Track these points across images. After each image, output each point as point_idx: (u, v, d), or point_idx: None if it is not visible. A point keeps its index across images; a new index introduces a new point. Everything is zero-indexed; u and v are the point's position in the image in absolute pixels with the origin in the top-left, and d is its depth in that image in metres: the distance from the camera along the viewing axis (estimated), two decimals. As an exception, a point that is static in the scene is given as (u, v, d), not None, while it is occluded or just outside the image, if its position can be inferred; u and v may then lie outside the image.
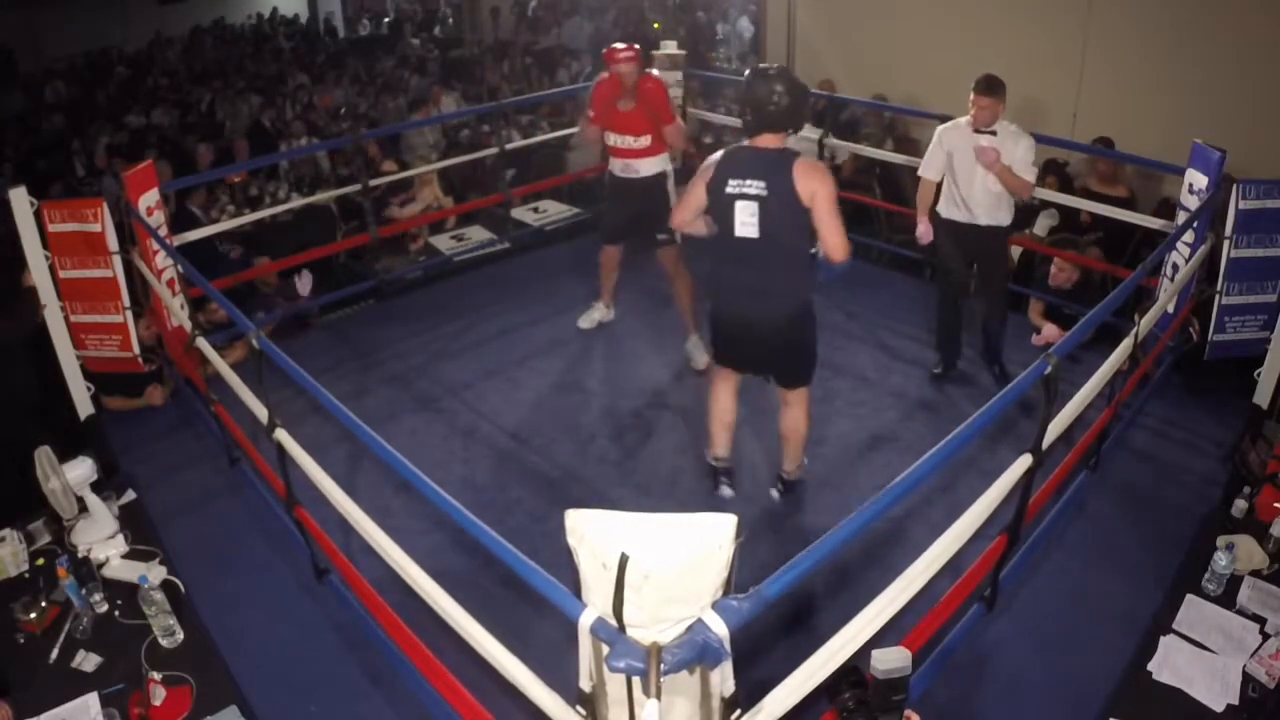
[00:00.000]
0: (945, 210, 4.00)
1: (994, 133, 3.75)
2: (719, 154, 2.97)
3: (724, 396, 3.35)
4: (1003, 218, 3.94)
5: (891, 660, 1.58)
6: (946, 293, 4.19)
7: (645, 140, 4.17)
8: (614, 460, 3.77)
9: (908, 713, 1.64)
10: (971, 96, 3.73)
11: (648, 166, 4.26)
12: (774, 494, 3.47)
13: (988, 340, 4.25)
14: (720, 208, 2.94)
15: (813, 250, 2.94)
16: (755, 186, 2.85)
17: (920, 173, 4.05)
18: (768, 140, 2.87)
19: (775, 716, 1.68)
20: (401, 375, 4.42)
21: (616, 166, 4.35)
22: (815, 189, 2.79)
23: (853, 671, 1.71)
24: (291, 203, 5.72)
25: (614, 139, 4.24)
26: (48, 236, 3.75)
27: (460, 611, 1.97)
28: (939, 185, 4.03)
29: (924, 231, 4.09)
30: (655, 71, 4.44)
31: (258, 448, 3.27)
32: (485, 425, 4.03)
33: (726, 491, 3.46)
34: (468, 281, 5.49)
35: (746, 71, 2.92)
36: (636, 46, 4.12)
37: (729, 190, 2.89)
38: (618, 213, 4.46)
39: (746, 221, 2.89)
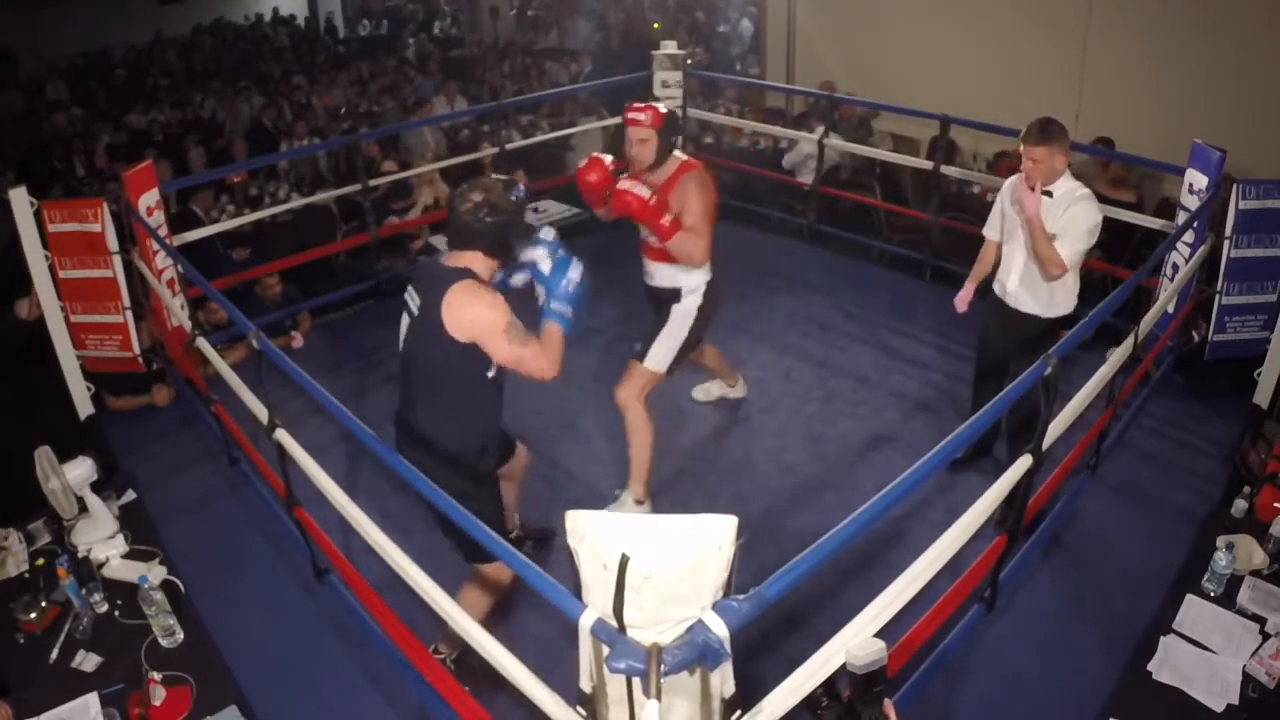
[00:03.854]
0: (995, 280, 3.33)
1: (1050, 194, 3.00)
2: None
3: None
4: (1047, 305, 3.13)
5: (867, 654, 1.58)
6: (978, 376, 3.51)
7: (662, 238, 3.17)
8: (614, 460, 3.77)
9: (886, 701, 1.64)
10: (1020, 147, 3.02)
11: (682, 277, 3.28)
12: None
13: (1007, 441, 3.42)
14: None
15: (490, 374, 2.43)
16: (414, 302, 2.42)
17: (984, 230, 3.42)
18: (455, 258, 2.39)
19: (775, 717, 1.68)
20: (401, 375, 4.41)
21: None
22: (466, 320, 2.28)
23: (829, 687, 1.71)
24: (291, 203, 5.73)
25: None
26: (48, 236, 3.75)
27: (460, 612, 1.98)
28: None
29: (960, 298, 3.44)
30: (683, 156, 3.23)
31: (258, 448, 3.27)
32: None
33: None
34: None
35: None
36: (657, 107, 3.08)
37: (405, 296, 2.48)
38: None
39: (403, 336, 2.49)
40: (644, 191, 2.98)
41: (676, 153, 3.17)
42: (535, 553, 3.13)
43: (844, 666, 1.69)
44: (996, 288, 3.29)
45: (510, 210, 2.36)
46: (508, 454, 2.86)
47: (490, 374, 2.41)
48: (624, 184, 3.02)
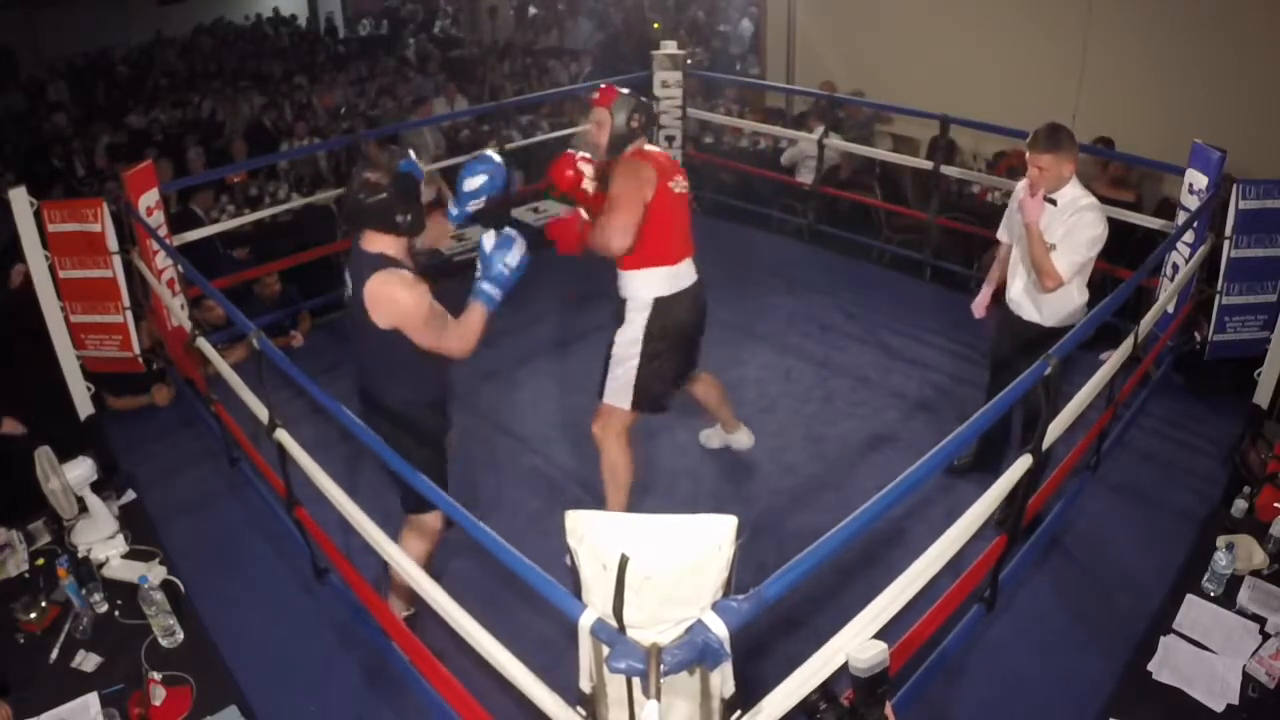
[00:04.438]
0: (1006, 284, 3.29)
1: (1054, 201, 2.93)
2: None
3: None
4: (1046, 313, 3.07)
5: (870, 656, 1.58)
6: (990, 380, 3.40)
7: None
8: (614, 460, 3.77)
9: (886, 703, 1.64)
10: (1027, 154, 2.93)
11: (624, 285, 3.00)
12: None
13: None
14: None
15: None
16: (349, 283, 2.49)
17: (998, 233, 3.36)
18: (366, 240, 2.44)
19: (775, 717, 1.68)
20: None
21: None
22: (384, 312, 2.37)
23: (826, 690, 1.71)
24: (291, 203, 5.73)
25: None
26: (48, 236, 3.75)
27: (460, 611, 1.98)
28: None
29: (978, 303, 3.40)
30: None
31: (258, 448, 3.27)
32: (485, 425, 4.02)
33: None
34: (468, 281, 5.47)
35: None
36: (614, 88, 2.93)
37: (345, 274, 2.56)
38: None
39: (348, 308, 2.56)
40: (584, 168, 2.87)
41: (643, 144, 2.91)
42: None
43: (842, 668, 1.70)
44: (1006, 293, 3.23)
45: (389, 186, 2.37)
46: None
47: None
48: (569, 160, 2.91)
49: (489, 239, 2.50)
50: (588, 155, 3.03)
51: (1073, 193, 2.94)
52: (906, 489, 1.91)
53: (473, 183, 2.68)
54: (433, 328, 2.41)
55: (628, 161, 2.88)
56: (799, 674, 1.72)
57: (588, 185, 2.92)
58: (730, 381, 3.86)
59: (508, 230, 2.53)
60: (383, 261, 2.38)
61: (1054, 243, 2.92)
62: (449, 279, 4.31)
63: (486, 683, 2.09)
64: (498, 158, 2.71)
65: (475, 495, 3.52)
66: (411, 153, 2.52)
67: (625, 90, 2.92)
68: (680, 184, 2.95)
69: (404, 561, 2.19)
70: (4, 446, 3.50)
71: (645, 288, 2.90)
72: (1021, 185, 3.09)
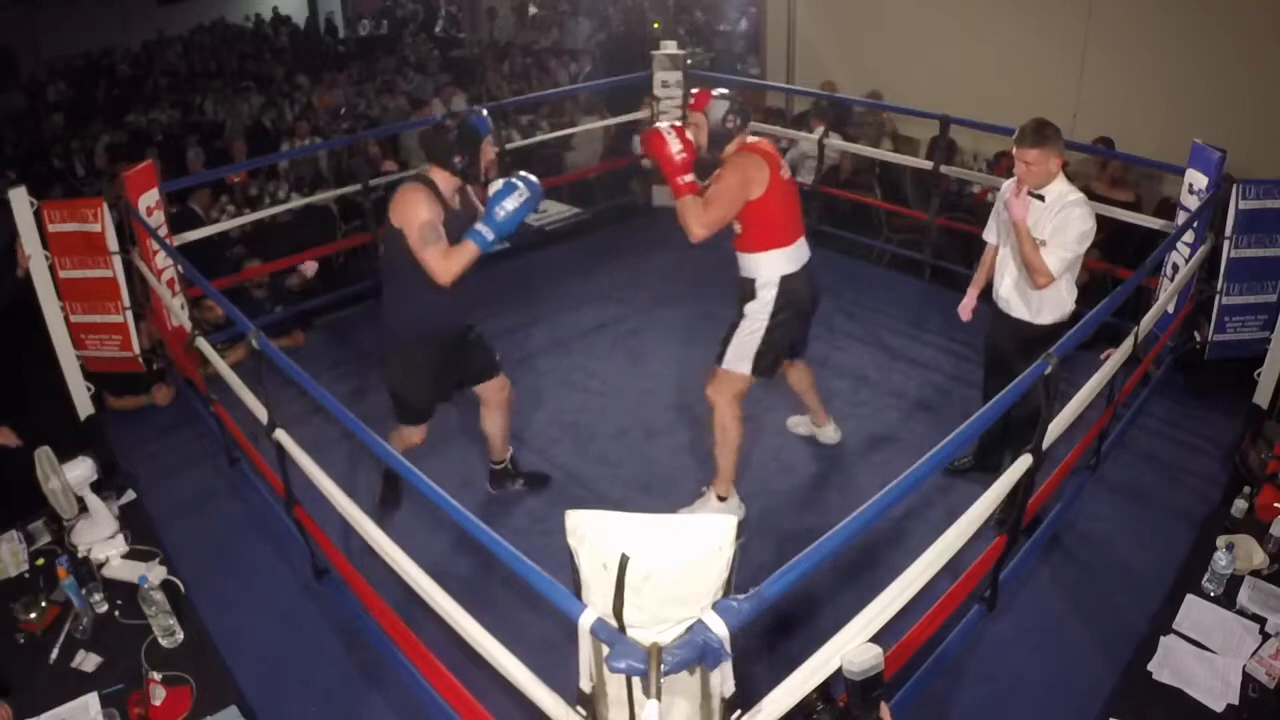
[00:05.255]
0: (993, 284, 3.26)
1: (1042, 197, 2.94)
2: None
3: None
4: (1036, 311, 3.06)
5: (864, 660, 1.58)
6: (985, 382, 3.40)
7: (737, 225, 3.12)
8: (614, 460, 3.77)
9: (882, 704, 1.64)
10: (1014, 149, 2.94)
11: (752, 266, 3.18)
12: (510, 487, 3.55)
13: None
14: None
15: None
16: None
17: (984, 233, 3.35)
18: (430, 171, 2.85)
19: (775, 717, 1.68)
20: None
21: None
22: (398, 210, 2.76)
23: (824, 691, 1.71)
24: (291, 203, 5.73)
25: None
26: (48, 236, 3.75)
27: (460, 611, 1.97)
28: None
29: (965, 305, 3.39)
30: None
31: (258, 448, 3.27)
32: (485, 425, 4.02)
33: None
34: (467, 281, 5.47)
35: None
36: (707, 91, 3.13)
37: None
38: None
39: None
40: (674, 141, 2.99)
41: (746, 138, 3.10)
42: (525, 489, 3.54)
43: (840, 671, 1.70)
44: (994, 292, 3.22)
45: (455, 131, 2.77)
46: (471, 369, 3.20)
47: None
48: (663, 128, 3.06)
49: (495, 185, 2.80)
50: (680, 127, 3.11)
51: (1060, 188, 2.93)
52: (906, 489, 1.91)
53: (502, 208, 2.78)
54: (425, 240, 2.74)
55: (741, 158, 3.03)
56: (798, 674, 1.72)
57: (673, 142, 3.04)
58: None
59: (512, 178, 2.79)
60: (426, 181, 2.80)
61: (1043, 239, 2.92)
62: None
63: (486, 683, 2.09)
64: (535, 180, 2.85)
65: (476, 495, 3.52)
66: (484, 111, 2.93)
67: (719, 91, 3.09)
68: (786, 169, 3.17)
69: (405, 562, 2.18)
70: (4, 447, 3.50)
71: (771, 268, 3.13)
72: (1008, 184, 3.08)
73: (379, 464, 3.37)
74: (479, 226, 2.76)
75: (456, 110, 2.84)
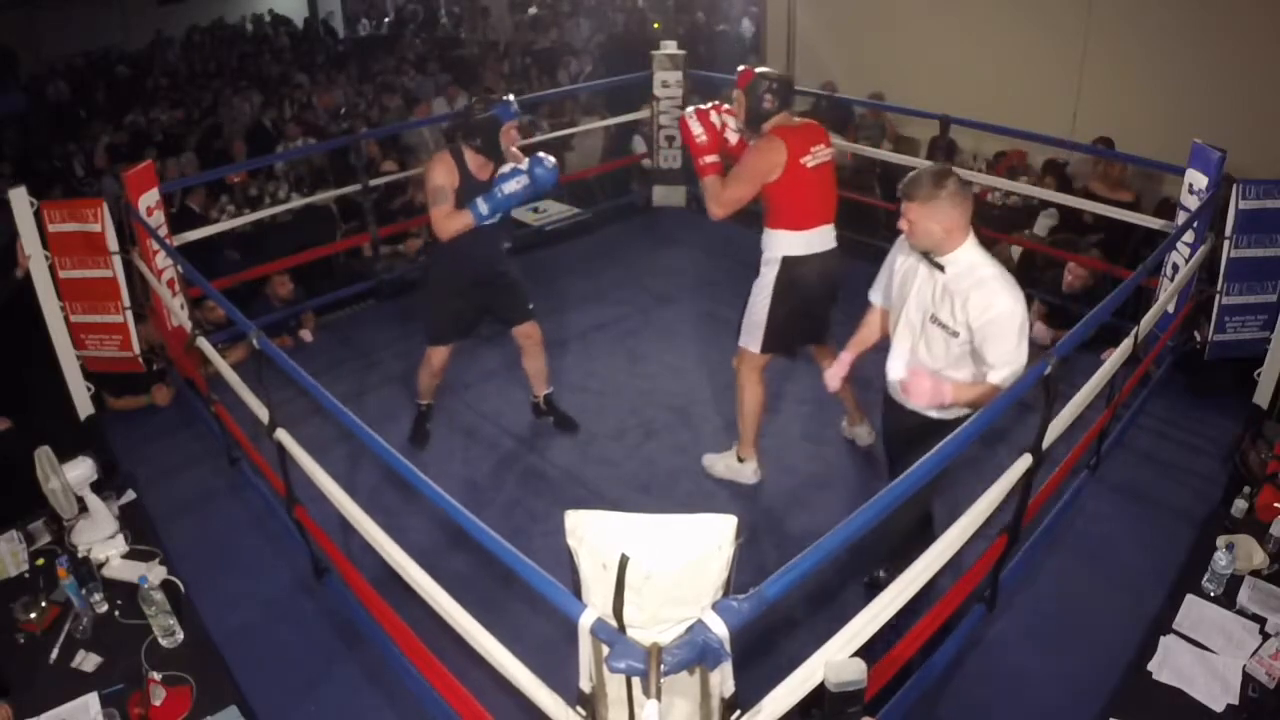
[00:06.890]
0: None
1: (941, 268, 2.33)
2: None
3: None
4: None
5: (846, 672, 1.55)
6: (890, 472, 2.81)
7: (764, 203, 3.17)
8: (614, 460, 3.77)
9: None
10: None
11: (764, 241, 3.24)
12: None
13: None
14: None
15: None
16: None
17: (870, 292, 2.87)
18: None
19: (774, 717, 1.68)
20: (401, 375, 4.41)
21: None
22: (427, 170, 3.26)
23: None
24: (291, 203, 5.73)
25: None
26: (48, 236, 3.75)
27: (460, 611, 1.97)
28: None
29: (831, 374, 2.79)
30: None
31: (258, 448, 3.27)
32: (485, 425, 4.03)
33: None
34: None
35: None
36: (751, 69, 3.13)
37: None
38: None
39: None
40: (696, 124, 3.18)
41: (788, 119, 3.13)
42: (553, 427, 3.91)
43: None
44: (887, 371, 2.60)
45: (481, 113, 3.20)
46: (498, 306, 3.65)
47: None
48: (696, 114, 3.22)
49: (504, 168, 3.22)
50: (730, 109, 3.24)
51: (966, 255, 2.30)
52: (906, 489, 1.91)
53: (501, 189, 3.21)
54: (433, 197, 3.22)
55: (764, 141, 3.09)
56: (798, 674, 1.72)
57: (729, 135, 3.25)
58: (730, 381, 3.85)
59: (519, 165, 3.23)
60: (456, 152, 3.27)
61: (955, 330, 2.33)
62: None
63: (486, 683, 2.09)
64: (550, 166, 3.29)
65: (476, 494, 3.52)
66: (510, 98, 3.28)
67: (762, 70, 3.15)
68: (820, 155, 3.15)
69: (405, 561, 2.18)
70: (4, 447, 3.50)
71: (777, 246, 3.21)
72: (900, 241, 2.51)
73: (379, 462, 3.37)
74: (479, 200, 3.19)
75: (486, 97, 3.20)
